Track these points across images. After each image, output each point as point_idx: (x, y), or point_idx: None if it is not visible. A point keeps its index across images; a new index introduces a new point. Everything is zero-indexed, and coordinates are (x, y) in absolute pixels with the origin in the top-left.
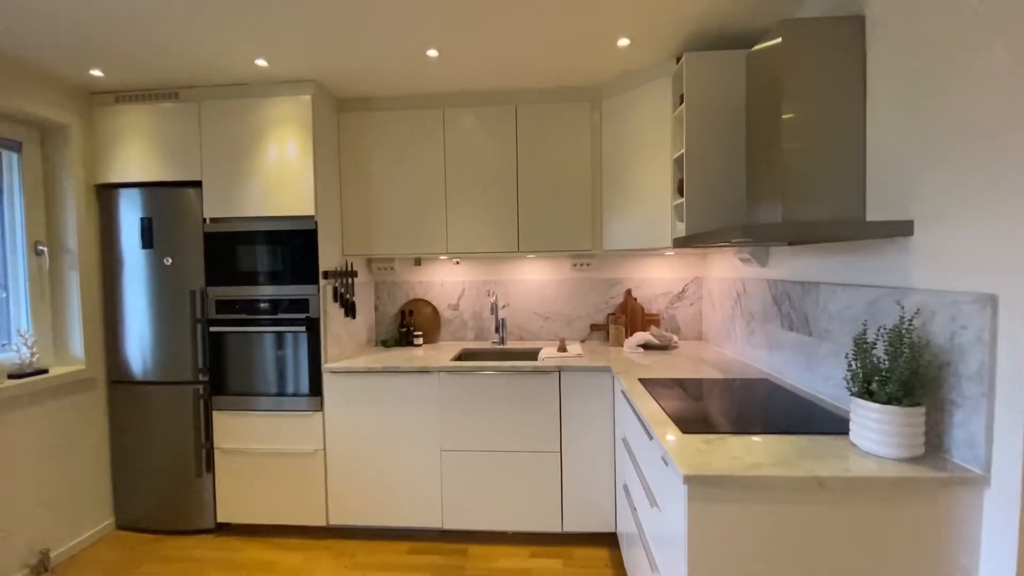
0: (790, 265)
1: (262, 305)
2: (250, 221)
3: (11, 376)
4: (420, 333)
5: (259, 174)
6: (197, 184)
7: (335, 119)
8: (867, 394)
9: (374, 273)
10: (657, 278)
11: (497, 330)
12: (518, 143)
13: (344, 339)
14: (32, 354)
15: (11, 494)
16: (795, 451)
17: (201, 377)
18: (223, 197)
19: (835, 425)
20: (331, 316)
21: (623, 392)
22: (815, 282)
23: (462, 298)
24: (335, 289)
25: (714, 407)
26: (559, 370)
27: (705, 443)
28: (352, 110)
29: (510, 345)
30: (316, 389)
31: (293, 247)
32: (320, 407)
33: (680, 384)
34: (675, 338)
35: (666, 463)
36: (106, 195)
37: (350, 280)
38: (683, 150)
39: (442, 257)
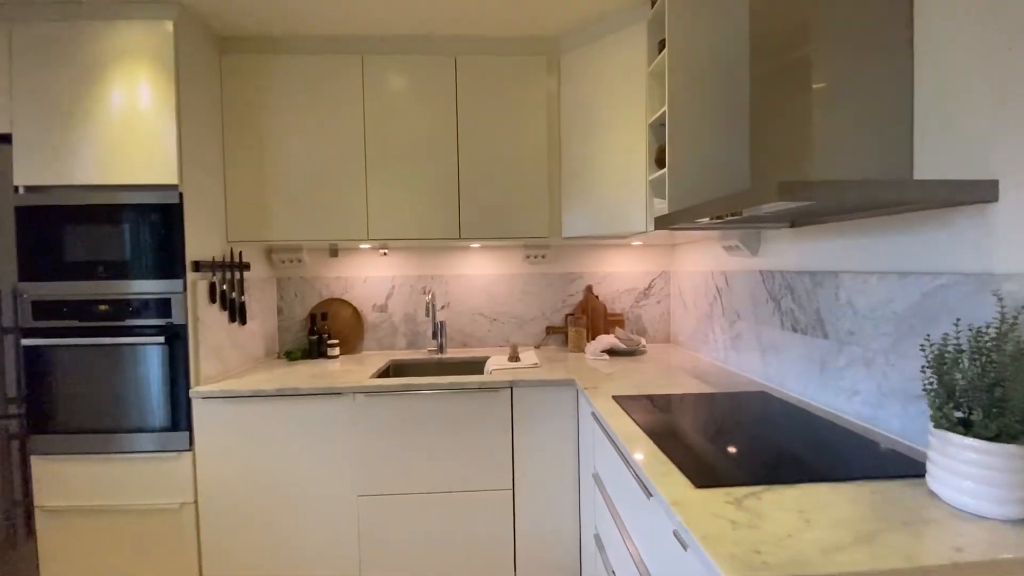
0: (793, 252)
1: (101, 308)
2: (84, 192)
3: None
4: (336, 342)
5: (97, 128)
6: (3, 139)
7: (215, 61)
8: (960, 425)
9: (276, 266)
10: (621, 272)
11: (435, 336)
12: (458, 105)
13: (228, 352)
14: None
15: None
16: (861, 513)
17: (13, 410)
18: (44, 158)
19: (887, 462)
20: (206, 322)
21: (594, 415)
22: (832, 271)
23: (391, 297)
24: (213, 286)
25: (719, 437)
26: (511, 385)
27: (735, 506)
28: (239, 51)
29: (451, 354)
30: (182, 421)
31: (147, 228)
32: (188, 445)
33: (665, 403)
34: (643, 341)
35: (684, 545)
36: None
37: (237, 274)
38: (664, 109)
39: (363, 246)
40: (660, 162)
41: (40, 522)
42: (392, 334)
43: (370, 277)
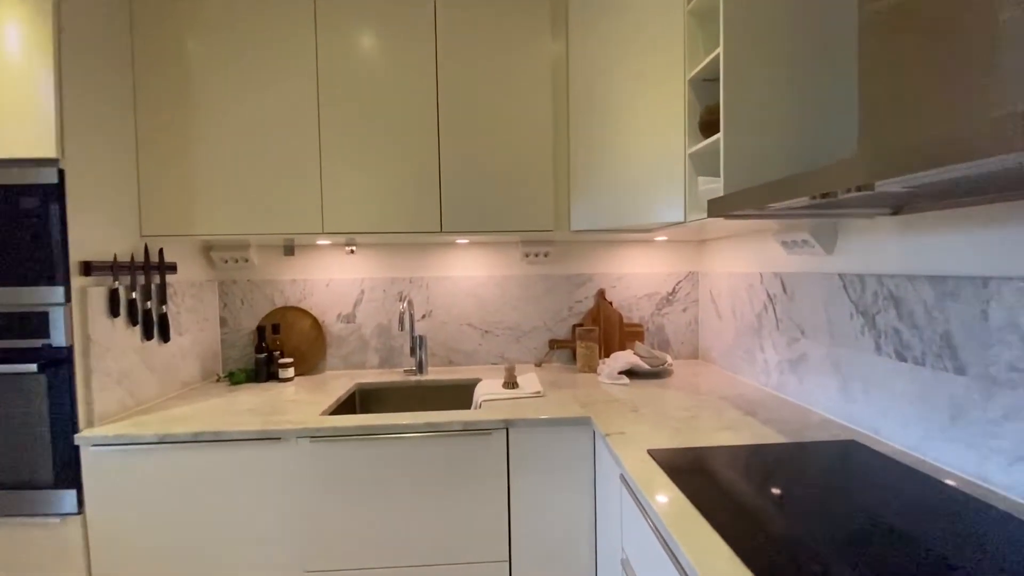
0: (898, 248)
1: None
2: None
3: None
4: (290, 361)
5: None
6: None
7: (122, 3)
8: None
9: (218, 267)
10: (639, 273)
11: (413, 352)
12: (439, 66)
13: (140, 379)
14: None
15: None
16: None
17: None
18: None
19: None
20: (103, 342)
21: (624, 479)
22: (977, 277)
23: (360, 305)
24: (115, 295)
25: (816, 523)
26: (506, 426)
27: None
28: None
29: (433, 375)
30: (69, 476)
31: (10, 218)
32: (77, 507)
33: (725, 461)
34: (668, 359)
35: None
36: None
37: (155, 278)
38: (715, 54)
39: (322, 241)
40: (707, 128)
41: None
42: (361, 350)
43: (334, 280)
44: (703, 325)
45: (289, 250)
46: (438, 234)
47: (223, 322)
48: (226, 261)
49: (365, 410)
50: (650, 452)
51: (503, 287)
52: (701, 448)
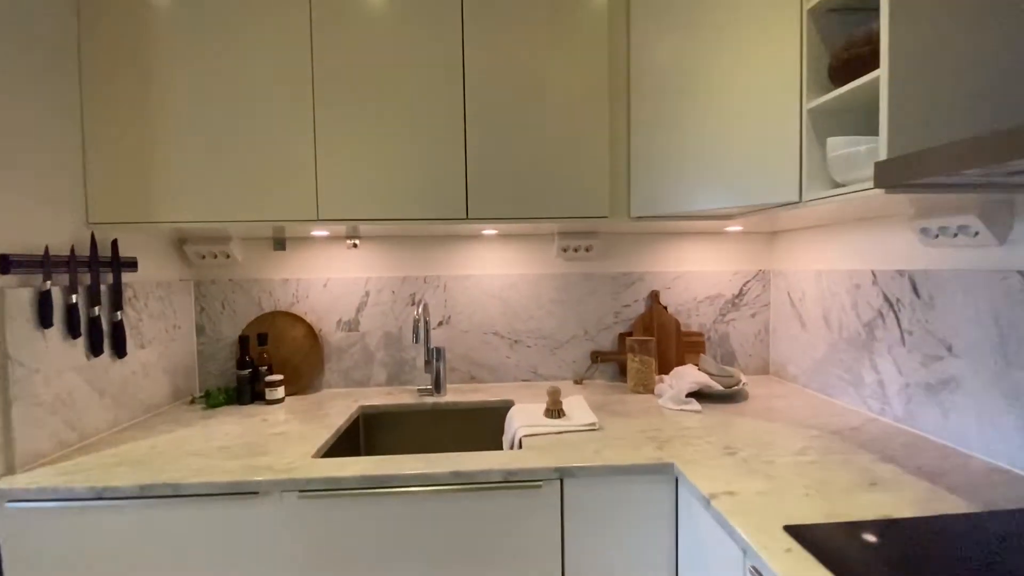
0: None
1: None
2: None
3: None
4: (279, 378)
5: None
6: None
7: None
8: None
9: (194, 264)
10: (700, 272)
11: (429, 367)
12: (465, 21)
13: (85, 406)
14: None
15: None
16: None
17: None
18: None
19: None
20: (28, 361)
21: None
22: None
23: (364, 309)
24: (47, 298)
25: None
26: (560, 475)
27: None
28: None
29: (453, 396)
30: None
31: None
32: None
33: (913, 549)
34: (742, 377)
35: None
36: None
37: (106, 277)
38: None
39: (318, 232)
40: (844, 71)
41: None
42: (366, 363)
43: (334, 280)
44: (776, 334)
45: (280, 244)
46: (463, 222)
47: (200, 330)
48: (203, 257)
49: (370, 443)
50: (791, 531)
51: (536, 288)
52: (860, 523)
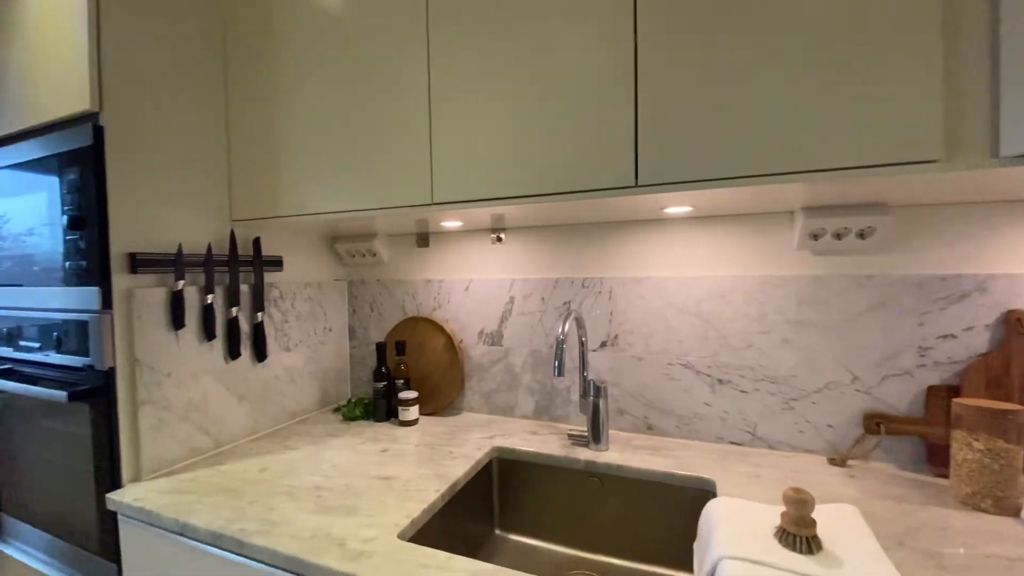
0: None
1: (28, 331)
2: (16, 146)
3: None
4: (413, 396)
5: (20, 31)
6: None
7: None
8: None
9: (347, 264)
10: None
11: (584, 397)
12: None
13: (222, 412)
14: None
15: None
16: None
17: None
18: None
19: None
20: (159, 364)
21: None
22: None
23: (509, 320)
24: (179, 299)
25: None
26: None
27: None
28: None
29: (617, 451)
30: (109, 545)
31: (60, 196)
32: None
33: None
34: None
35: None
36: None
37: (247, 276)
38: None
39: (449, 224)
40: None
41: None
42: (510, 387)
43: (476, 281)
44: None
45: (423, 239)
46: (629, 191)
47: (352, 333)
48: (353, 255)
49: (504, 495)
50: None
51: (762, 299)
52: None
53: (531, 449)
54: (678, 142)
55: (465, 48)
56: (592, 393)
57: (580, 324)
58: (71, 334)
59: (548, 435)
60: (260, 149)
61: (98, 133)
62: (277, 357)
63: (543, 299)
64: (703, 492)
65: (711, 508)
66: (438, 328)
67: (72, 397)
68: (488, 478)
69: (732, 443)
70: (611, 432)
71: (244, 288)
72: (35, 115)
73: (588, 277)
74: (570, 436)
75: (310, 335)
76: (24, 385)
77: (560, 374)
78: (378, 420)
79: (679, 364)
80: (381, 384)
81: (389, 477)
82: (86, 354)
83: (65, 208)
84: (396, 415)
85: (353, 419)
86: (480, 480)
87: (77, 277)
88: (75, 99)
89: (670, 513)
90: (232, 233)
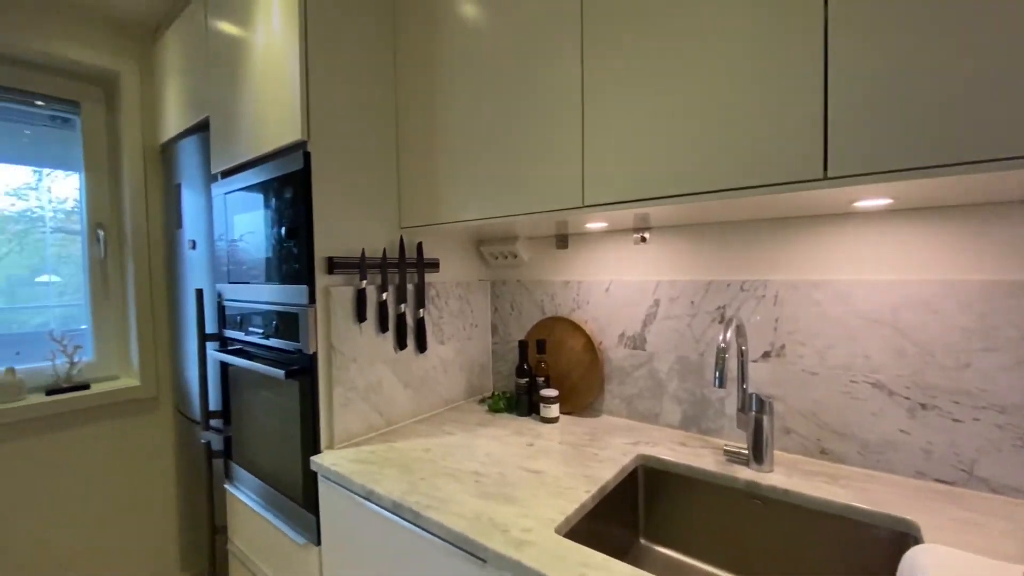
0: None
1: (256, 319)
2: (248, 171)
3: (49, 392)
4: (554, 394)
5: (250, 78)
6: (207, 126)
7: None
8: None
9: (491, 265)
10: None
11: (744, 415)
12: None
13: (391, 395)
14: (72, 364)
15: (43, 537)
16: None
17: (213, 424)
18: (225, 136)
19: None
20: (347, 351)
21: None
22: None
23: (653, 323)
24: (362, 296)
25: None
26: None
27: None
28: None
29: (782, 477)
30: (310, 499)
31: (279, 210)
32: (316, 538)
33: None
34: None
35: None
36: (167, 159)
37: (412, 276)
38: None
39: (593, 225)
40: None
41: (231, 561)
42: (654, 394)
43: (617, 283)
44: None
45: (562, 241)
46: (817, 183)
47: (494, 330)
48: (496, 257)
49: (650, 506)
50: None
51: (984, 308)
52: None
53: (682, 461)
54: (886, 123)
55: (620, 45)
56: (755, 408)
57: (741, 332)
58: (286, 323)
59: (699, 448)
60: (423, 163)
61: (307, 158)
62: (434, 349)
63: (692, 302)
64: (898, 535)
65: (920, 557)
66: (577, 329)
67: (288, 375)
68: (634, 485)
69: (938, 481)
70: (775, 452)
71: (409, 287)
72: (260, 146)
73: (748, 279)
74: (726, 452)
75: (459, 330)
76: (253, 363)
77: (721, 385)
78: (520, 414)
79: (865, 382)
80: (523, 380)
81: (538, 471)
82: (296, 339)
83: (282, 221)
84: (537, 411)
85: (497, 411)
86: (626, 486)
87: (290, 277)
88: (290, 131)
89: (850, 551)
90: (401, 239)
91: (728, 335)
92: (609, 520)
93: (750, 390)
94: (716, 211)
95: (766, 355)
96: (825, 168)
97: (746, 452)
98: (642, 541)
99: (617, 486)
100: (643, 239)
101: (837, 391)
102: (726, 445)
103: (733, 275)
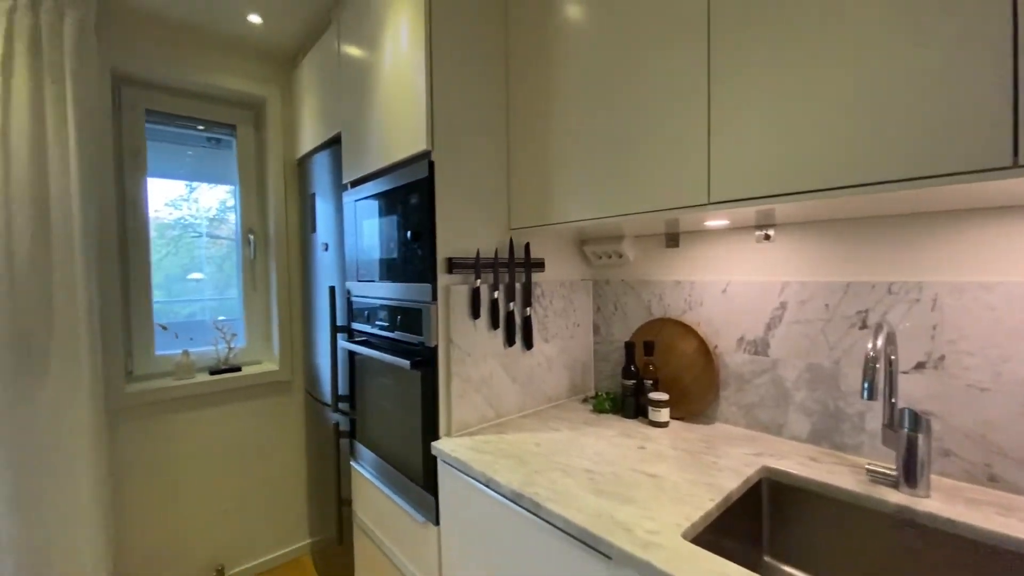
0: None
1: (381, 314)
2: (376, 180)
3: (212, 372)
4: (664, 397)
5: (379, 96)
6: (338, 140)
7: None
8: None
9: (594, 265)
10: None
11: (892, 433)
12: None
13: (500, 389)
14: (229, 349)
15: (193, 499)
16: None
17: (341, 406)
18: (355, 149)
19: None
20: (463, 345)
21: None
22: None
23: (778, 327)
24: (477, 294)
25: None
26: None
27: None
28: None
29: (942, 504)
30: (430, 481)
31: (405, 215)
32: (435, 518)
33: None
34: None
35: None
36: (303, 172)
37: (519, 276)
38: None
39: (714, 223)
40: None
41: (356, 534)
42: (778, 403)
43: (736, 283)
44: None
45: (672, 239)
46: (1008, 173)
47: (595, 329)
48: (599, 257)
49: (776, 524)
50: None
51: None
52: None
53: (815, 477)
54: None
55: (756, 26)
56: (907, 424)
57: (891, 339)
58: (409, 318)
59: (833, 465)
60: (533, 165)
61: (431, 167)
62: (539, 346)
63: (827, 306)
64: None
65: None
66: (689, 331)
67: (413, 365)
68: (757, 498)
69: None
70: (934, 477)
71: (517, 286)
72: (388, 156)
73: (898, 281)
74: (869, 471)
75: (563, 329)
76: (380, 353)
77: (871, 397)
78: (626, 416)
79: None
80: (630, 382)
81: (655, 475)
82: (419, 333)
83: (407, 224)
84: (644, 414)
85: (602, 411)
86: (750, 499)
87: (414, 276)
88: (416, 142)
89: None
90: (510, 240)
91: (879, 342)
92: (733, 533)
93: (900, 404)
94: (857, 206)
95: (920, 366)
96: (1016, 155)
97: (894, 473)
98: (766, 559)
99: (740, 498)
100: (767, 237)
101: (1016, 411)
102: (868, 464)
103: (878, 276)
